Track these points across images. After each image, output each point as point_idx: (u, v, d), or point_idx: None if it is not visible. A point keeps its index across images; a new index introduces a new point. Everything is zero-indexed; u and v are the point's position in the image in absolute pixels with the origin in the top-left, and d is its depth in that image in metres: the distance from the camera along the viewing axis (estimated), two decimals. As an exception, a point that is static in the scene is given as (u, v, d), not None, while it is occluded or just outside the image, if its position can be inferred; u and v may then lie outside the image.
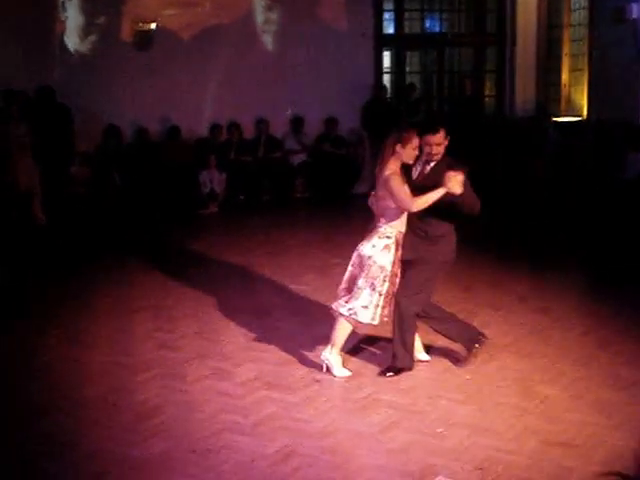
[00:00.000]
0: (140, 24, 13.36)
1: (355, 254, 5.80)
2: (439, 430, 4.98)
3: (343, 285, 5.91)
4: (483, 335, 6.09)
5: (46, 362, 6.22)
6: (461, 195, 5.38)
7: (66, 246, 10.08)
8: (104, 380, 5.82)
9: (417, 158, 5.67)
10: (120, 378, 5.84)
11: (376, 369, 5.96)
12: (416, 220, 5.67)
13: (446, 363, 6.06)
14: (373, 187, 5.83)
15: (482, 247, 9.53)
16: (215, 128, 13.35)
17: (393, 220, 5.63)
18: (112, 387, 5.68)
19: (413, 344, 5.92)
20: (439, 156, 5.67)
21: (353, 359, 6.17)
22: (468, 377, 5.80)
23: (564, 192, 12.32)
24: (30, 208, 9.94)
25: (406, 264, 5.74)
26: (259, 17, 14.08)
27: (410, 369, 5.87)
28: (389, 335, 6.39)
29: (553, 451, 4.70)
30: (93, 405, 5.41)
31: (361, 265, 5.71)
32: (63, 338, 6.75)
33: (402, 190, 5.47)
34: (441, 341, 6.24)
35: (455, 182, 5.33)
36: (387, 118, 12.66)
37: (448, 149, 5.71)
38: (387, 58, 15.47)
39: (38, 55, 12.64)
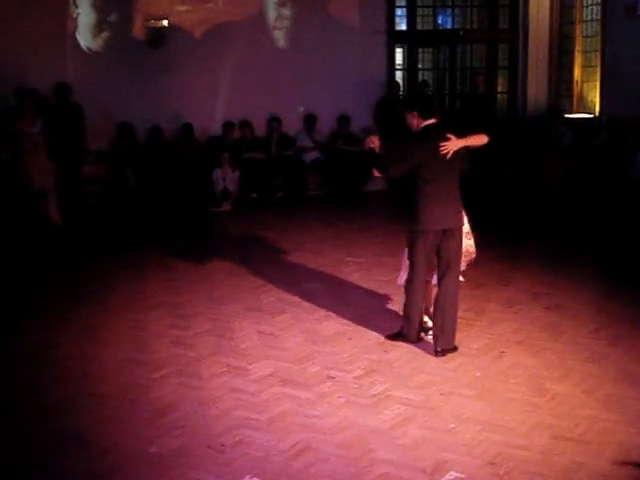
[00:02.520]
0: (152, 21, 13.31)
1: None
2: (451, 426, 5.04)
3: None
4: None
5: (62, 359, 6.29)
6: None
7: (80, 244, 10.10)
8: (119, 377, 5.90)
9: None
10: (135, 375, 5.91)
11: (388, 366, 6.02)
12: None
13: (458, 360, 6.11)
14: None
15: (494, 245, 9.47)
16: (228, 126, 13.30)
17: None
18: (127, 384, 5.76)
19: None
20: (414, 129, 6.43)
21: (365, 356, 6.22)
22: (479, 374, 5.85)
23: (576, 189, 12.21)
24: (44, 208, 9.85)
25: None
26: (271, 14, 14.05)
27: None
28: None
29: (564, 447, 4.74)
30: (108, 401, 5.47)
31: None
32: (79, 335, 6.82)
33: None
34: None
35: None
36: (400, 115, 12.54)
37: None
38: (399, 55, 15.35)
39: (50, 53, 12.59)
